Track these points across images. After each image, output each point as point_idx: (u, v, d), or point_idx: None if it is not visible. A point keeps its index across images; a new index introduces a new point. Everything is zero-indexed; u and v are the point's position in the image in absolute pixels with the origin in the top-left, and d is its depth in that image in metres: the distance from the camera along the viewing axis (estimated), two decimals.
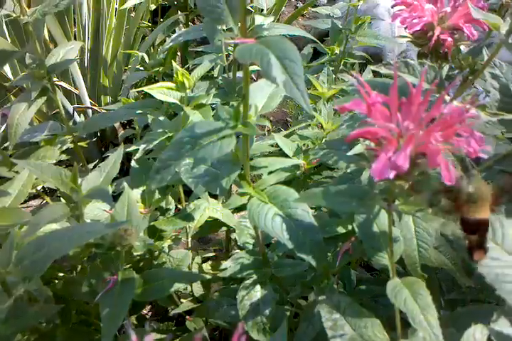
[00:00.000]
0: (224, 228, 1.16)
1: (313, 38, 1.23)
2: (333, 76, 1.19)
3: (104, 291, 0.65)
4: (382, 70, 0.62)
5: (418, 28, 0.67)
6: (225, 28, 1.05)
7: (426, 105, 0.48)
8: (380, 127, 0.47)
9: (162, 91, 0.86)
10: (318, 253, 0.62)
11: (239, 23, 0.57)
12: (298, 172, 1.00)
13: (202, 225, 1.05)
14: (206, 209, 0.94)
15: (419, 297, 0.51)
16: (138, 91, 1.31)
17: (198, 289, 1.05)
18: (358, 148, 0.64)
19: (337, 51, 1.30)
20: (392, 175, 0.43)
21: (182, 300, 1.13)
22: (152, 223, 0.86)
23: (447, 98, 0.60)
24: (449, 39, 0.65)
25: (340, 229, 0.72)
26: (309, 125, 1.15)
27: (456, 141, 0.46)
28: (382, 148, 0.45)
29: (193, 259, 1.11)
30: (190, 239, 1.04)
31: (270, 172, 1.05)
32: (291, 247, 0.62)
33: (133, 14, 1.88)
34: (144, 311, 1.28)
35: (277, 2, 2.15)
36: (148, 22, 2.00)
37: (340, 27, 1.31)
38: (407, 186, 0.47)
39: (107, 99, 1.86)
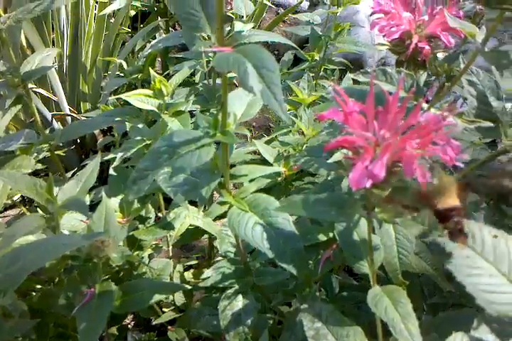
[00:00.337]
0: (206, 235, 1.15)
1: (293, 44, 1.23)
2: (313, 82, 1.19)
3: (81, 305, 0.64)
4: (361, 78, 0.62)
5: (396, 36, 0.67)
6: (204, 34, 1.05)
7: (403, 113, 0.48)
8: (357, 136, 0.46)
9: (140, 99, 0.85)
10: (299, 261, 0.61)
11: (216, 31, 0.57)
12: (279, 178, 1.00)
13: (183, 233, 1.04)
14: (187, 217, 0.92)
15: (400, 305, 0.51)
16: (117, 98, 1.29)
17: (179, 298, 1.04)
18: (338, 156, 0.64)
19: (317, 57, 1.31)
20: (368, 184, 0.43)
21: (164, 309, 1.11)
22: (131, 233, 0.84)
23: (425, 105, 0.60)
24: (427, 47, 0.66)
25: (322, 237, 0.72)
26: (290, 131, 1.15)
27: (432, 149, 0.46)
28: (359, 157, 0.45)
29: (174, 268, 1.10)
30: (171, 247, 1.02)
31: (252, 180, 1.05)
32: (272, 256, 0.61)
33: (112, 20, 1.87)
34: (127, 321, 1.26)
35: (258, 8, 2.16)
36: (128, 28, 1.99)
37: (320, 33, 1.31)
38: (385, 194, 0.47)
39: (87, 105, 1.84)
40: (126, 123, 0.93)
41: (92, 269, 0.69)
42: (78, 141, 1.77)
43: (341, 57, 1.48)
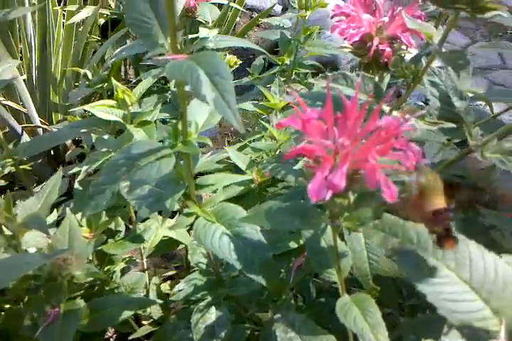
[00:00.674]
0: (182, 245, 1.13)
1: (260, 49, 1.22)
2: (285, 87, 1.18)
3: (45, 326, 0.61)
4: (322, 83, 0.61)
5: (357, 38, 0.67)
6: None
7: (362, 119, 0.47)
8: (315, 144, 0.45)
9: (104, 110, 0.83)
10: (268, 271, 0.60)
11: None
12: (252, 185, 0.99)
13: (158, 244, 1.02)
14: (158, 228, 0.90)
15: (369, 315, 0.50)
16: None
17: (156, 311, 1.02)
18: (301, 163, 0.63)
19: (287, 61, 1.30)
20: (328, 195, 0.41)
21: (144, 322, 1.09)
22: (100, 247, 0.82)
23: (387, 108, 0.59)
24: (388, 49, 0.65)
25: (293, 244, 0.71)
26: (263, 136, 1.14)
27: (393, 155, 0.45)
28: (319, 166, 0.44)
29: (150, 280, 1.07)
30: (145, 259, 1.00)
31: (226, 186, 1.03)
32: (240, 267, 0.60)
33: (81, 29, 1.84)
34: (109, 334, 1.23)
35: (231, 13, 2.16)
36: (98, 36, 1.96)
37: (290, 37, 1.31)
38: (347, 202, 0.46)
39: (59, 116, 1.81)
40: (92, 134, 0.90)
41: (57, 288, 0.67)
42: (52, 152, 1.74)
43: (315, 60, 1.48)
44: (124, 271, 1.06)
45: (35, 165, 1.57)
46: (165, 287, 1.09)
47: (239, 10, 2.12)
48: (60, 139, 0.99)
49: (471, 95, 0.97)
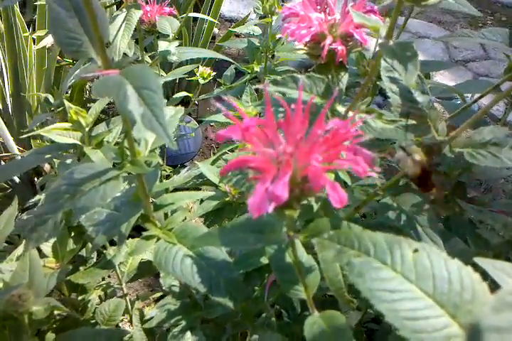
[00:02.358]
0: None
1: (226, 58, 1.19)
2: (256, 94, 1.15)
3: None
4: (271, 88, 0.58)
5: (307, 39, 0.63)
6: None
7: (306, 123, 0.43)
8: (257, 153, 0.42)
9: (61, 133, 0.80)
10: (235, 292, 0.56)
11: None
12: (227, 198, 0.95)
13: (139, 267, 0.98)
14: (130, 252, 0.86)
15: (340, 334, 0.46)
16: None
17: (140, 337, 0.97)
18: None
19: (257, 69, 1.27)
20: (271, 208, 0.37)
21: None
22: (68, 277, 0.78)
23: (342, 110, 0.56)
24: (340, 47, 0.62)
25: (265, 260, 0.67)
26: (237, 147, 1.10)
27: (341, 161, 0.41)
28: (260, 177, 0.40)
29: (133, 305, 1.03)
30: (124, 284, 0.96)
31: (201, 201, 0.99)
32: (204, 291, 0.55)
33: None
34: None
35: (207, 25, 2.14)
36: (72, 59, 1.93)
37: (257, 45, 1.28)
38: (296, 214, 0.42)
39: (38, 142, 1.78)
40: (54, 159, 0.87)
41: (17, 326, 0.63)
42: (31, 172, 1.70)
43: (298, 64, 1.45)
44: (107, 297, 1.02)
45: (16, 188, 1.53)
46: (147, 312, 1.04)
47: (214, 22, 2.11)
48: (25, 167, 0.95)
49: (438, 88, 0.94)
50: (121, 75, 0.46)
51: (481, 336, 0.19)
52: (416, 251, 0.36)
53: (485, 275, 0.36)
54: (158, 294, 1.17)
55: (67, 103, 0.76)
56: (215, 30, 2.89)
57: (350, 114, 0.54)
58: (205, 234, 0.49)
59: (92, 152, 0.75)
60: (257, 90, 1.21)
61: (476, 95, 0.78)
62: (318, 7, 0.68)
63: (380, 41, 0.49)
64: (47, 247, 0.79)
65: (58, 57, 1.75)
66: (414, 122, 0.52)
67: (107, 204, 0.68)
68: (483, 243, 0.82)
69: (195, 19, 2.26)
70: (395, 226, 0.60)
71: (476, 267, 0.37)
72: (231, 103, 0.47)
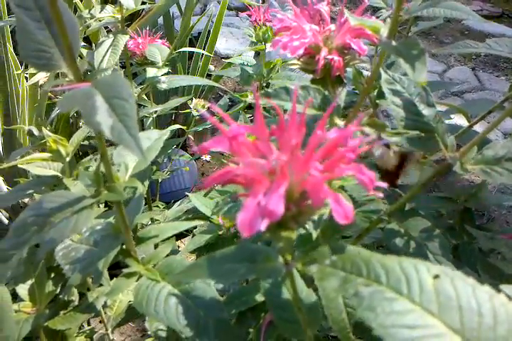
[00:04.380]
0: None
1: (219, 85, 1.16)
2: (250, 122, 1.10)
3: None
4: (263, 101, 0.53)
5: (301, 51, 0.58)
6: None
7: (302, 133, 0.38)
8: (246, 164, 0.36)
9: (40, 164, 0.74)
10: (226, 336, 0.48)
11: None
12: (221, 231, 0.88)
13: (127, 311, 0.90)
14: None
15: None
16: None
17: None
18: None
19: (251, 97, 1.23)
20: (264, 225, 0.31)
21: None
22: (46, 323, 0.70)
23: (341, 123, 0.50)
24: (336, 58, 0.57)
25: (260, 297, 0.59)
26: None
27: (344, 169, 0.35)
28: (251, 191, 0.34)
29: None
30: (110, 330, 0.87)
31: (193, 236, 0.92)
32: (190, 335, 0.48)
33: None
34: None
35: (203, 59, 2.14)
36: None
37: (251, 72, 1.24)
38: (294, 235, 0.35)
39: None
40: (35, 194, 0.81)
41: None
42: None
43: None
44: None
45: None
46: None
47: (209, 57, 2.11)
48: (4, 203, 0.89)
49: (444, 108, 0.89)
50: (91, 87, 0.41)
51: None
52: (437, 277, 0.29)
53: None
54: (150, 340, 1.07)
55: (45, 131, 0.71)
56: (211, 66, 2.90)
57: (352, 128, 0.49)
58: (192, 266, 0.42)
59: (72, 183, 0.69)
60: (251, 120, 1.17)
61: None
62: (312, 19, 0.64)
63: (381, 42, 0.44)
64: (23, 290, 0.72)
65: (50, 94, 1.73)
66: (418, 132, 0.46)
67: (86, 240, 0.62)
68: (496, 273, 0.74)
69: (190, 57, 2.26)
70: (404, 254, 0.53)
71: None
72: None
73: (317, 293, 0.48)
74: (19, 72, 1.72)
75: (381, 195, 0.34)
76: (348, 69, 0.67)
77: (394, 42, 0.43)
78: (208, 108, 1.42)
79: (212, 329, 0.48)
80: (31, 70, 1.71)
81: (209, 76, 2.68)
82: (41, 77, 1.63)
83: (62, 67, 0.47)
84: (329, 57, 0.57)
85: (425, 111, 0.54)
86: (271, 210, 0.32)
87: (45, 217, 0.47)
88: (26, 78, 1.75)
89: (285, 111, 0.51)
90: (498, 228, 0.93)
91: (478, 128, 0.70)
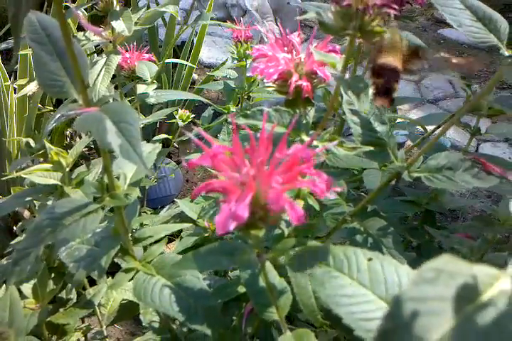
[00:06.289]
0: None
1: (203, 99, 1.25)
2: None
3: None
4: (241, 121, 0.62)
5: (275, 76, 0.68)
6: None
7: (269, 149, 0.47)
8: (223, 178, 0.45)
9: (42, 174, 0.82)
10: (212, 319, 0.57)
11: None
12: (207, 234, 0.97)
13: (119, 309, 0.97)
14: (112, 291, 0.87)
15: None
16: None
17: None
18: None
19: (233, 109, 1.32)
20: (232, 226, 0.41)
21: None
22: (49, 318, 0.77)
23: (306, 138, 0.60)
24: (304, 83, 0.67)
25: (241, 288, 0.68)
26: None
27: (300, 182, 0.45)
28: (226, 198, 0.43)
29: None
30: (104, 327, 0.95)
31: (181, 238, 1.00)
32: (183, 319, 0.57)
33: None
34: None
35: (186, 70, 2.22)
36: (54, 105, 1.98)
37: (233, 86, 1.34)
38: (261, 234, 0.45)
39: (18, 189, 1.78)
40: (35, 201, 0.88)
41: None
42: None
43: (269, 104, 1.51)
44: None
45: None
46: None
47: (193, 68, 2.19)
48: (3, 210, 0.96)
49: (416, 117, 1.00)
50: (100, 111, 0.50)
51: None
52: (370, 259, 0.39)
53: None
54: (139, 338, 1.15)
55: (47, 144, 0.79)
56: (195, 75, 2.98)
57: (315, 143, 0.58)
58: (182, 259, 0.51)
59: (72, 191, 0.77)
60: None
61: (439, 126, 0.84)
62: (285, 48, 0.74)
63: (336, 75, 0.54)
64: (27, 289, 0.80)
65: (39, 105, 1.79)
66: (371, 148, 0.56)
67: (88, 241, 0.70)
68: None
69: (174, 66, 2.34)
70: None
71: None
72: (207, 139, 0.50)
73: (291, 285, 0.58)
74: (8, 83, 1.78)
75: (332, 196, 0.43)
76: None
77: (346, 76, 0.53)
78: (193, 119, 1.51)
79: (201, 314, 0.57)
80: (20, 82, 1.78)
81: (193, 84, 2.77)
82: (30, 88, 1.70)
83: (73, 94, 0.55)
84: (299, 82, 0.67)
85: (379, 128, 0.64)
86: (238, 215, 0.41)
87: (58, 220, 0.55)
88: (15, 89, 1.81)
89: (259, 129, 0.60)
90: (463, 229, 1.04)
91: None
